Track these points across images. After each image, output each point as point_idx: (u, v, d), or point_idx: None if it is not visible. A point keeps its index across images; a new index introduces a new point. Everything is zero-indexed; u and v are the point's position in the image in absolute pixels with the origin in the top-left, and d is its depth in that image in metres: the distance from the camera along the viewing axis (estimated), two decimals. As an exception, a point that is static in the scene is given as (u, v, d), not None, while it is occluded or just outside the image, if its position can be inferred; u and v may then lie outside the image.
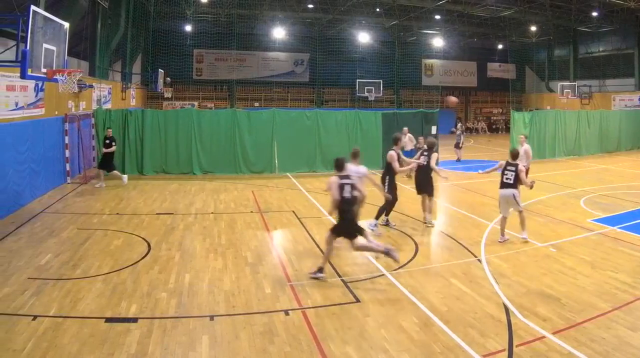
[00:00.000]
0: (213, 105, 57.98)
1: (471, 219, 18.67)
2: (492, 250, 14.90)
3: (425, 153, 18.12)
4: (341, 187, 12.46)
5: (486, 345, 9.14)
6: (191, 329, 9.80)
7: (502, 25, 57.69)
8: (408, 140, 26.71)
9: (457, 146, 36.65)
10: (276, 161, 28.50)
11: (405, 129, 28.14)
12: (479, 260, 14.03)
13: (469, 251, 14.82)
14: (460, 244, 15.54)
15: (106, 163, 24.53)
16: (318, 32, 60.54)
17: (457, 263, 13.77)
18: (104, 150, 24.50)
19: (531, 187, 15.71)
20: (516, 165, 15.54)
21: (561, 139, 38.25)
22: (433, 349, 9.09)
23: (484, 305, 10.97)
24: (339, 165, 12.91)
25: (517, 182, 15.51)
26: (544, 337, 9.44)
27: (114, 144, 24.46)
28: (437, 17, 53.76)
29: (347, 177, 12.81)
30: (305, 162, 28.90)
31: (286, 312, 10.64)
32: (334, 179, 12.62)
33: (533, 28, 56.80)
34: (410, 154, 25.30)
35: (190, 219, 18.31)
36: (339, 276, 12.78)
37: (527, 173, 17.80)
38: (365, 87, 58.85)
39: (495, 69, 68.22)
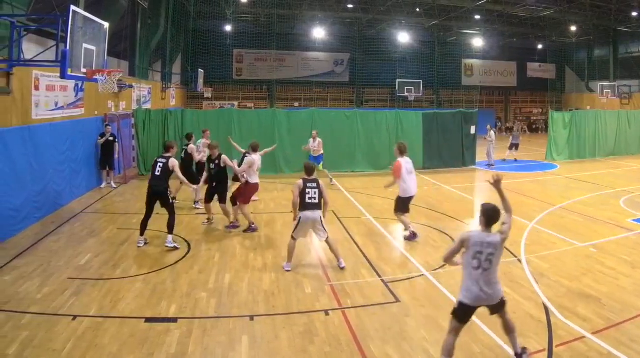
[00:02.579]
0: (253, 105, 58.11)
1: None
2: (532, 250, 14.78)
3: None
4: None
5: (526, 345, 8.98)
6: (231, 329, 9.82)
7: (542, 25, 57.05)
8: (317, 145, 25.53)
9: (516, 147, 36.59)
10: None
11: (315, 132, 26.45)
12: (519, 260, 13.97)
13: (509, 251, 14.63)
14: (500, 244, 15.35)
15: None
16: (358, 32, 60.31)
17: (496, 263, 13.58)
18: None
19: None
20: (317, 181, 13.35)
21: (601, 139, 37.91)
22: (473, 349, 9.10)
23: (524, 305, 10.98)
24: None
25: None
26: (584, 337, 9.43)
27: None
28: (477, 17, 53.41)
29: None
30: (344, 161, 28.75)
31: (326, 312, 10.66)
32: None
33: (573, 28, 56.01)
34: (319, 158, 25.37)
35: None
36: (379, 276, 12.79)
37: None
38: (405, 87, 58.39)
39: (535, 69, 67.57)
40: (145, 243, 15.04)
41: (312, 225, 13.17)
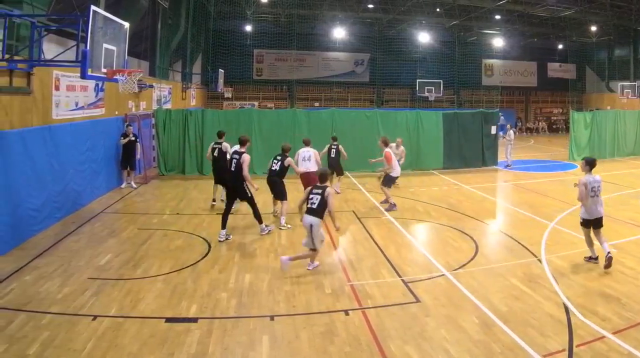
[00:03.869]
0: (273, 105, 58.12)
1: (531, 219, 18.53)
2: (552, 250, 14.74)
3: (279, 157, 18.02)
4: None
5: (546, 345, 9.07)
6: (251, 329, 9.80)
7: (562, 25, 56.49)
8: (401, 152, 24.99)
9: None
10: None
11: (399, 139, 25.96)
12: (539, 260, 13.94)
13: (529, 251, 14.70)
14: (521, 244, 15.38)
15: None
16: (378, 32, 60.16)
17: (517, 263, 13.68)
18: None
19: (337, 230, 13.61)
20: (324, 188, 13.19)
21: (621, 139, 37.63)
22: (493, 349, 9.05)
23: (544, 305, 10.92)
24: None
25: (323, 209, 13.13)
26: (604, 337, 9.37)
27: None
28: (498, 17, 53.00)
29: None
30: (364, 161, 28.66)
31: (346, 312, 10.63)
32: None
33: (593, 28, 55.57)
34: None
35: (250, 219, 18.06)
36: (399, 276, 12.77)
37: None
38: (426, 87, 58.22)
39: (555, 69, 67.11)
40: (227, 239, 15.68)
41: (307, 228, 13.14)
